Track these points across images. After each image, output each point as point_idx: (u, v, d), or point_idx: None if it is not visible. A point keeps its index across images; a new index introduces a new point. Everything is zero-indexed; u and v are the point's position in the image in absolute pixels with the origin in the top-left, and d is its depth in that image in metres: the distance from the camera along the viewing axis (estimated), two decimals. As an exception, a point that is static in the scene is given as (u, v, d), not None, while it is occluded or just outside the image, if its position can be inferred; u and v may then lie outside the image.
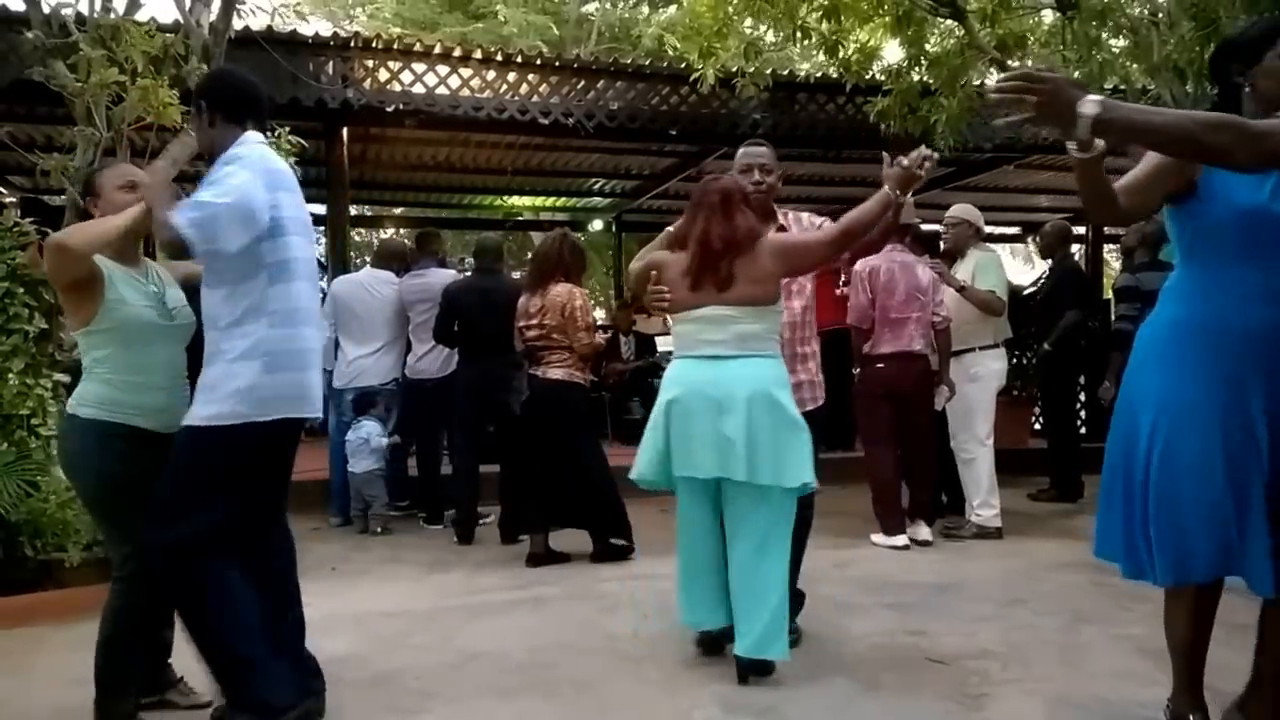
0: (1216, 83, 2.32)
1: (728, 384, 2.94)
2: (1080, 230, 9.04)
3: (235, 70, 2.89)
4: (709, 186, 3.15)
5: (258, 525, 2.55)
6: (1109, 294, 7.12)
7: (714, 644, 3.19)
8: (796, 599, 3.33)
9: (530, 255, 5.37)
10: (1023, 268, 17.92)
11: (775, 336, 3.09)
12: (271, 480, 2.56)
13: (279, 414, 2.40)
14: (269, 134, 2.57)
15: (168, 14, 5.07)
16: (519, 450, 4.77)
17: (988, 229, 8.37)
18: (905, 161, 3.01)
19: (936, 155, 3.10)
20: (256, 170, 2.36)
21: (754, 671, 2.93)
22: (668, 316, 3.24)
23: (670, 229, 3.36)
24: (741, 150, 3.43)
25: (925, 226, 5.49)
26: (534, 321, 4.62)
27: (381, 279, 5.76)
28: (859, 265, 4.96)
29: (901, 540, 4.84)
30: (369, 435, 5.44)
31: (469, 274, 5.69)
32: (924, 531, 4.96)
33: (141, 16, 4.73)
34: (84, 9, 4.45)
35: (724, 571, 3.07)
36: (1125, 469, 2.28)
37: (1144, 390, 2.27)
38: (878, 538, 4.95)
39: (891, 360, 4.92)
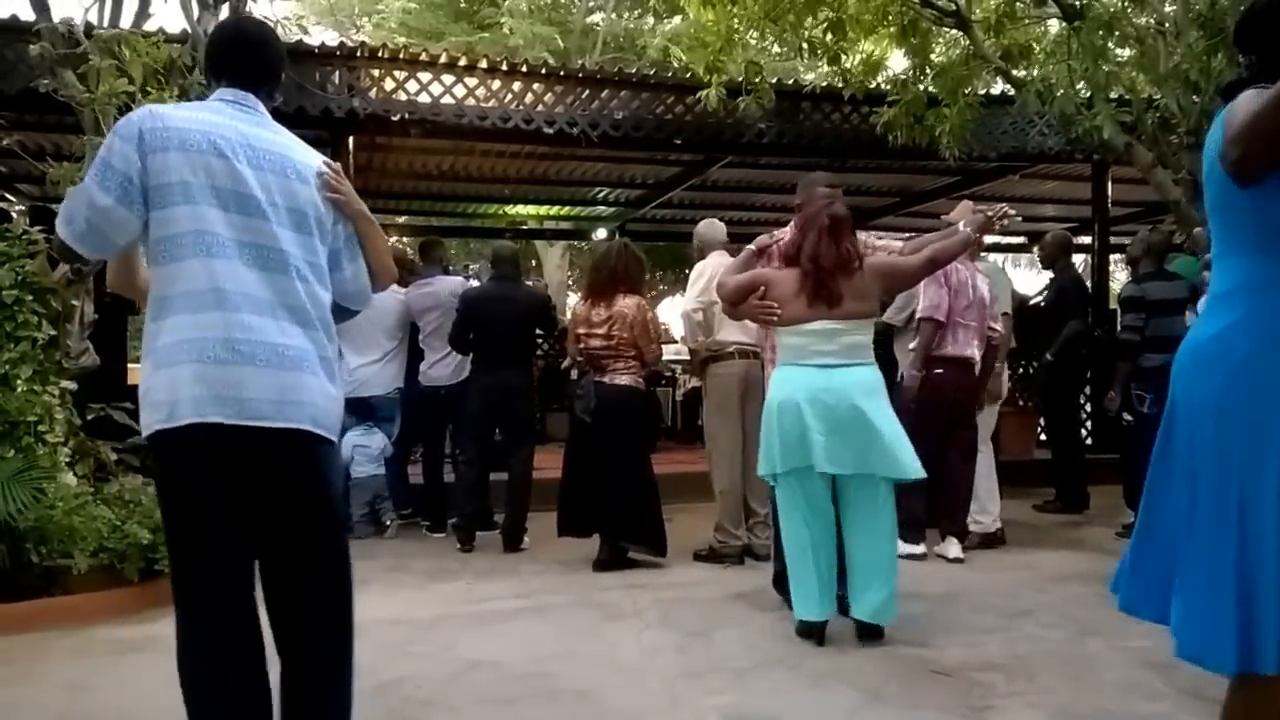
0: (1251, 53, 1.97)
1: (839, 389, 3.33)
2: (1085, 240, 9.00)
3: (228, 21, 2.55)
4: (822, 211, 3.49)
5: (235, 582, 1.99)
6: (1114, 304, 7.12)
7: (820, 633, 3.43)
8: None
9: (590, 266, 5.40)
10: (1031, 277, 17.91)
11: (873, 346, 3.52)
12: (229, 514, 1.97)
13: (185, 419, 1.90)
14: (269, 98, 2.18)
15: (176, 23, 5.12)
16: (585, 455, 4.78)
17: (993, 238, 8.36)
18: (990, 212, 3.60)
19: (1017, 215, 3.60)
20: (118, 132, 1.97)
21: (873, 635, 3.40)
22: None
23: (751, 246, 3.83)
24: (820, 190, 3.76)
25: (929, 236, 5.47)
26: (599, 331, 4.71)
27: None
28: None
29: (920, 549, 4.76)
30: (385, 444, 5.58)
31: (484, 281, 5.70)
32: (955, 549, 4.83)
33: (150, 26, 4.78)
34: (93, 19, 4.49)
35: (835, 561, 3.46)
36: None
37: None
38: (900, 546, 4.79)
39: (952, 366, 4.80)
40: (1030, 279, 17.55)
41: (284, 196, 2.08)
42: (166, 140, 1.95)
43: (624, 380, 4.73)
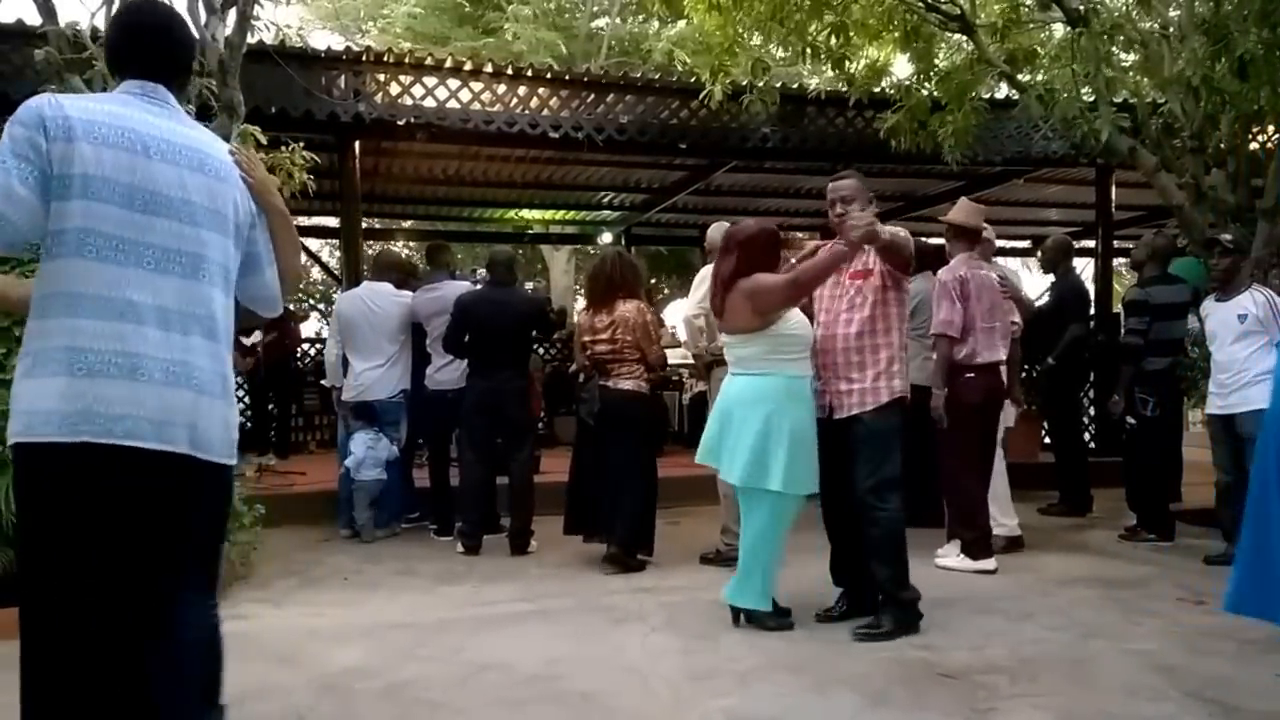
0: None
1: (730, 395, 3.66)
2: (1089, 243, 9.01)
3: (129, 7, 2.13)
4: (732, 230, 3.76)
5: (87, 607, 1.77)
6: (1118, 307, 7.11)
7: (735, 614, 3.73)
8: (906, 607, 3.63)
9: (587, 276, 5.52)
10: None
11: (776, 355, 3.57)
12: (87, 544, 1.75)
13: (44, 435, 1.73)
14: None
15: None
16: (590, 457, 4.88)
17: (998, 243, 8.36)
18: (851, 221, 3.42)
19: (871, 225, 3.35)
20: (20, 120, 1.80)
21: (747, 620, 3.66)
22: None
23: None
24: (829, 185, 3.80)
25: (933, 240, 5.46)
26: (603, 336, 4.83)
27: (380, 291, 5.78)
28: (943, 274, 4.78)
29: (991, 564, 4.64)
30: (391, 449, 5.61)
31: (481, 285, 5.73)
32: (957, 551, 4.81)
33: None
34: (99, 23, 4.52)
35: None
36: None
37: None
38: (958, 561, 4.70)
39: (984, 371, 4.72)
40: (1033, 282, 17.56)
41: (201, 195, 1.91)
42: (70, 130, 1.79)
43: (627, 385, 4.81)
